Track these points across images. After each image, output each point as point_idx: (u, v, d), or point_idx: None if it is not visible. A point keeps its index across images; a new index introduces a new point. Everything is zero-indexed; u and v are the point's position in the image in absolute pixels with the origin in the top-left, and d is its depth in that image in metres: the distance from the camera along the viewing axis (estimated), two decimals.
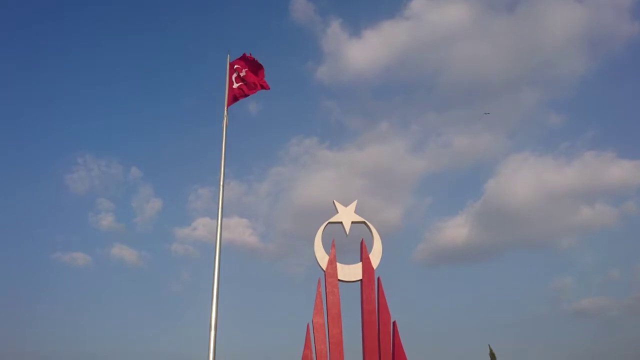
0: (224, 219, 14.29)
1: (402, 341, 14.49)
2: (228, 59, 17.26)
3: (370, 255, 15.62)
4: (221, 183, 14.67)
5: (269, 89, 17.26)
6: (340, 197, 16.62)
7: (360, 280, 15.36)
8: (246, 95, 17.02)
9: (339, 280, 15.28)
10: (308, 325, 14.59)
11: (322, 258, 15.55)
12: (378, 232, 16.00)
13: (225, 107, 16.36)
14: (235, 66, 17.18)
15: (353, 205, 16.36)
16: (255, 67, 17.16)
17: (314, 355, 14.29)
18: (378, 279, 15.27)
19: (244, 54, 17.38)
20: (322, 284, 15.18)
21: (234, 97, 16.76)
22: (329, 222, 16.12)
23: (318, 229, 16.00)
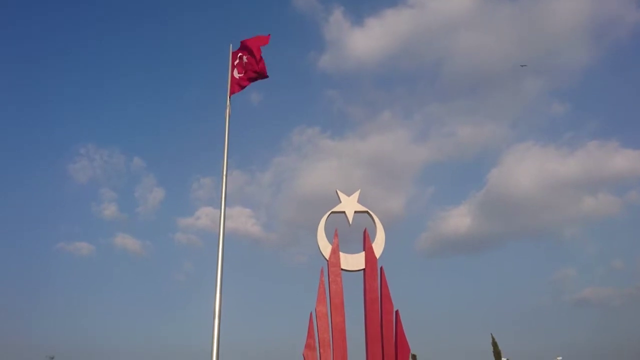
0: (226, 209, 14.33)
1: (404, 330, 14.58)
2: (230, 49, 17.19)
3: (373, 245, 15.66)
4: (224, 173, 14.69)
5: (267, 77, 17.09)
6: (342, 186, 16.67)
7: (363, 269, 15.42)
8: (249, 82, 16.91)
9: (341, 269, 15.34)
10: (311, 314, 14.68)
11: (325, 247, 15.60)
12: (381, 222, 16.03)
13: (228, 97, 16.34)
14: (239, 54, 17.10)
15: (356, 195, 16.37)
16: (255, 51, 16.92)
17: (317, 344, 14.39)
18: (381, 268, 15.32)
19: (244, 41, 17.18)
20: (325, 273, 15.24)
21: (237, 87, 16.72)
22: (332, 212, 16.15)
23: (321, 218, 16.04)
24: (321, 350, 14.31)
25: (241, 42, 17.16)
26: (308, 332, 14.48)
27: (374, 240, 15.78)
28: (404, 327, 14.60)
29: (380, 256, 15.57)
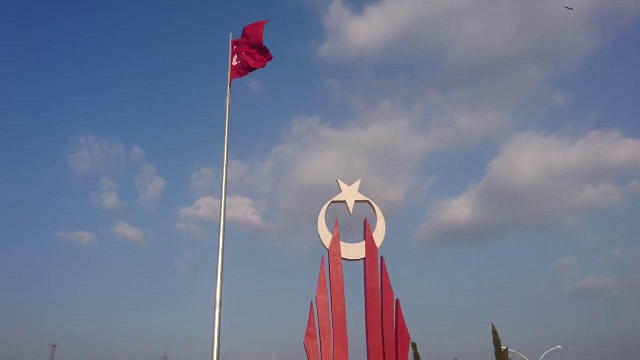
0: (227, 198, 14.31)
1: (405, 319, 14.65)
2: (230, 38, 17.09)
3: (374, 234, 15.69)
4: (225, 162, 14.66)
5: (264, 64, 16.92)
6: (343, 176, 16.67)
7: (364, 258, 15.47)
8: (248, 70, 16.81)
9: (342, 258, 15.39)
10: (312, 303, 14.74)
11: (326, 237, 15.64)
12: (381, 211, 16.05)
13: (228, 86, 16.27)
14: (238, 43, 17.00)
15: (357, 185, 16.37)
16: (255, 40, 16.78)
17: (317, 332, 14.47)
18: (381, 257, 15.36)
19: (244, 29, 17.06)
20: (326, 262, 15.29)
21: (237, 75, 16.64)
22: (333, 201, 16.17)
23: (321, 208, 16.06)
24: (322, 339, 14.39)
25: (243, 32, 17.03)
26: (309, 321, 14.55)
27: (374, 229, 15.80)
28: (404, 316, 14.68)
29: (381, 245, 15.61)
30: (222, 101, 16.09)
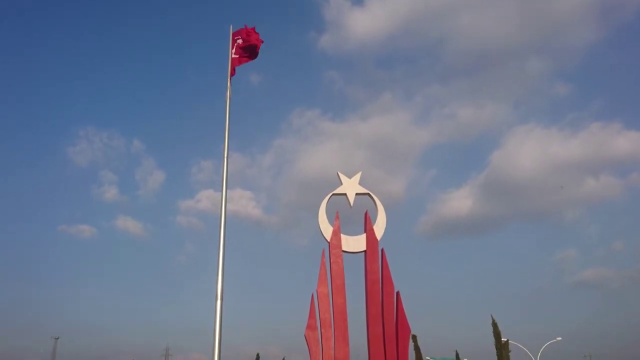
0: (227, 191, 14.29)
1: (405, 311, 14.70)
2: (231, 30, 17.02)
3: (375, 227, 15.71)
4: (225, 155, 14.62)
5: (258, 47, 16.98)
6: (343, 168, 16.66)
7: (364, 251, 15.49)
8: (245, 60, 16.81)
9: (343, 251, 15.41)
10: (313, 295, 14.79)
11: (327, 229, 15.66)
12: (382, 204, 16.06)
13: (229, 79, 16.21)
14: (237, 37, 16.96)
15: (357, 177, 16.37)
16: (251, 34, 16.84)
17: (318, 324, 14.53)
18: (382, 250, 15.38)
19: (244, 26, 17.07)
20: (327, 254, 15.31)
21: (237, 65, 16.60)
22: (333, 194, 16.17)
23: (322, 200, 16.07)
24: (323, 331, 14.45)
25: (244, 27, 17.03)
26: (310, 313, 14.61)
27: (375, 222, 15.81)
28: (404, 308, 14.73)
29: (382, 238, 15.63)
30: (222, 94, 16.03)
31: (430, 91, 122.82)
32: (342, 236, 15.58)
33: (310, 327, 14.49)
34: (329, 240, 15.48)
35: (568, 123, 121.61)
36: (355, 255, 15.58)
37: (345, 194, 16.13)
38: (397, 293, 14.87)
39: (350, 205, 16.03)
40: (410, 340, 15.36)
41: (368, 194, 16.25)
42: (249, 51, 16.94)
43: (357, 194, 16.17)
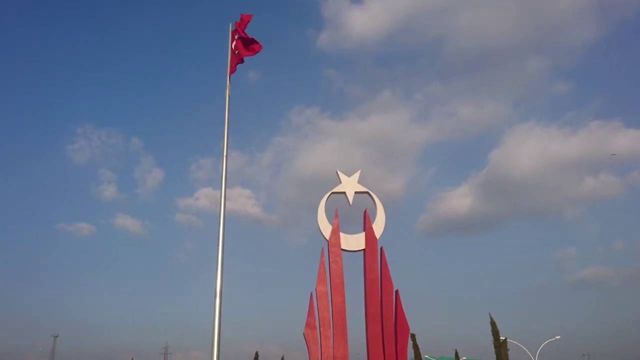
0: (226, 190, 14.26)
1: (404, 310, 14.70)
2: (230, 28, 16.98)
3: (374, 225, 15.69)
4: (225, 153, 14.59)
5: (255, 52, 16.99)
6: (342, 166, 16.65)
7: (363, 249, 15.48)
8: (241, 60, 16.82)
9: (342, 249, 15.40)
10: (311, 294, 14.78)
11: (326, 228, 15.64)
12: (381, 202, 16.04)
13: (228, 77, 16.19)
14: (236, 35, 16.93)
15: (356, 176, 16.35)
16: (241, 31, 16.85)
17: (317, 323, 14.53)
18: (381, 248, 15.37)
19: (238, 21, 17.05)
20: (326, 253, 15.30)
21: (234, 66, 16.58)
22: (332, 192, 16.15)
23: (321, 199, 16.05)
24: (322, 329, 14.45)
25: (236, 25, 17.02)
26: (309, 312, 14.60)
27: (374, 220, 15.80)
28: (403, 307, 14.72)
29: (381, 236, 15.62)
30: (220, 92, 16.01)
31: (429, 89, 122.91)
32: (341, 235, 15.57)
33: (309, 325, 14.48)
34: (328, 238, 15.47)
35: (567, 121, 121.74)
36: (354, 254, 15.57)
37: (344, 193, 16.11)
38: (396, 292, 14.86)
39: (349, 203, 16.02)
40: (409, 339, 15.35)
41: (367, 193, 16.24)
42: (248, 47, 16.89)
43: (356, 192, 16.16)
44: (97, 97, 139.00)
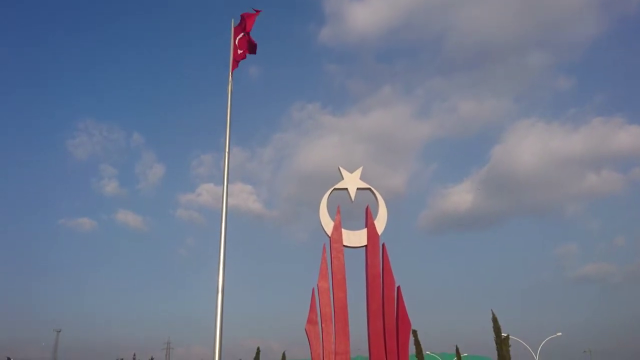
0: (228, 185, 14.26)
1: (406, 306, 14.71)
2: (232, 24, 16.95)
3: (375, 222, 15.68)
4: (227, 149, 14.58)
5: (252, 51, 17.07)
6: (343, 162, 16.65)
7: (365, 246, 15.48)
8: (243, 56, 16.83)
9: (344, 246, 15.40)
10: (313, 290, 14.79)
11: (328, 224, 15.64)
12: (383, 199, 16.03)
13: (230, 72, 16.15)
14: (239, 31, 16.90)
15: (358, 172, 16.34)
16: (247, 25, 16.83)
17: (319, 318, 14.54)
18: (383, 244, 15.37)
19: (242, 15, 16.99)
20: (327, 249, 15.31)
21: (235, 63, 16.55)
22: (334, 189, 16.14)
23: (323, 195, 16.04)
24: (323, 325, 14.46)
25: (241, 16, 16.94)
26: (310, 307, 14.62)
27: (376, 216, 15.79)
28: (405, 303, 14.73)
29: (382, 233, 15.60)
30: (221, 88, 15.97)
31: (431, 85, 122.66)
32: (343, 231, 15.56)
33: (311, 321, 14.50)
34: (329, 234, 15.46)
35: (570, 118, 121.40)
36: (356, 250, 15.57)
37: (346, 189, 16.10)
38: (398, 288, 14.87)
39: (351, 199, 16.01)
40: (411, 335, 15.35)
41: (369, 189, 16.23)
42: (249, 47, 16.93)
43: (358, 188, 16.13)
44: (98, 92, 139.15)
